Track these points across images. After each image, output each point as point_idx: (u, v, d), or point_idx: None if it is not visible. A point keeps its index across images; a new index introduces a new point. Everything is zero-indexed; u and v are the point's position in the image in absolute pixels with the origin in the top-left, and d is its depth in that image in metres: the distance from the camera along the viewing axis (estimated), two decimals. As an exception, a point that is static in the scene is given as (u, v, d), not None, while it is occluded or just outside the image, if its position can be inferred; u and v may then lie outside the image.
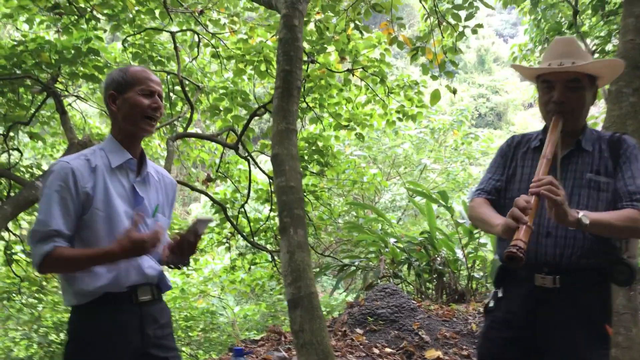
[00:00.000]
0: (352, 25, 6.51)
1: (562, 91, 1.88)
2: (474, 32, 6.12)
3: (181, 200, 28.97)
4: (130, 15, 6.80)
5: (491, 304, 2.03)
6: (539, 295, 1.89)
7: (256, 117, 6.91)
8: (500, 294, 2.00)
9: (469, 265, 6.37)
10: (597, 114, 7.59)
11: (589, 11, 8.06)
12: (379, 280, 6.31)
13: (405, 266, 6.71)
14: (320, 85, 7.05)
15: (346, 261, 7.25)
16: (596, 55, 7.30)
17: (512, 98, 37.68)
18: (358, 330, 5.06)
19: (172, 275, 10.86)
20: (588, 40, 7.54)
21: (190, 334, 10.45)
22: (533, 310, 1.90)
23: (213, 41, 7.42)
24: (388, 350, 4.76)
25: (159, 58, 7.52)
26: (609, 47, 7.74)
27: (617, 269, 1.81)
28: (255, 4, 7.04)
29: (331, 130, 7.66)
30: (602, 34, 7.12)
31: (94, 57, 6.42)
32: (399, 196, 11.72)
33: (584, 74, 1.88)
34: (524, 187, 1.90)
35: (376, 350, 4.75)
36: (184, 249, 1.92)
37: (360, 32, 6.47)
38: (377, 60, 7.03)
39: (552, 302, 1.87)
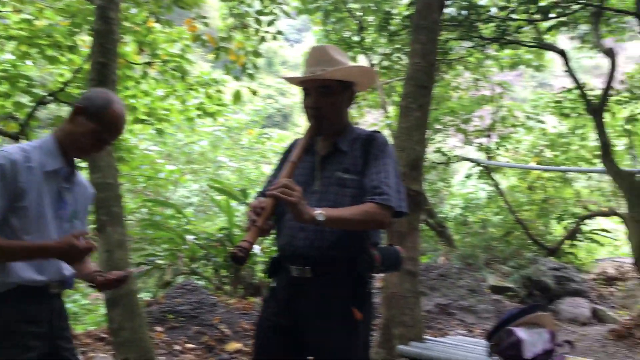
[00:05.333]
0: (153, 17, 6.35)
1: (316, 97, 2.03)
2: (275, 38, 6.44)
3: None
4: None
5: (266, 294, 2.18)
6: (296, 286, 2.03)
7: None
8: (273, 284, 2.15)
9: (266, 259, 6.67)
10: (377, 121, 8.56)
11: (372, 29, 9.03)
12: (176, 278, 6.26)
13: (203, 262, 6.76)
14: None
15: (141, 260, 7.02)
16: (380, 69, 8.23)
17: (298, 101, 39.73)
18: (158, 328, 4.99)
19: None
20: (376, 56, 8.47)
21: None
22: (291, 299, 2.04)
23: (-10, 18, 6.56)
24: (189, 345, 4.80)
25: None
26: (384, 63, 8.78)
27: (361, 259, 1.94)
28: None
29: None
30: (388, 51, 8.07)
31: None
32: (192, 193, 11.65)
33: (334, 81, 2.02)
34: None
35: (177, 347, 4.75)
36: (110, 287, 2.17)
37: (163, 26, 6.33)
38: (178, 55, 6.96)
39: (307, 292, 2.00)
